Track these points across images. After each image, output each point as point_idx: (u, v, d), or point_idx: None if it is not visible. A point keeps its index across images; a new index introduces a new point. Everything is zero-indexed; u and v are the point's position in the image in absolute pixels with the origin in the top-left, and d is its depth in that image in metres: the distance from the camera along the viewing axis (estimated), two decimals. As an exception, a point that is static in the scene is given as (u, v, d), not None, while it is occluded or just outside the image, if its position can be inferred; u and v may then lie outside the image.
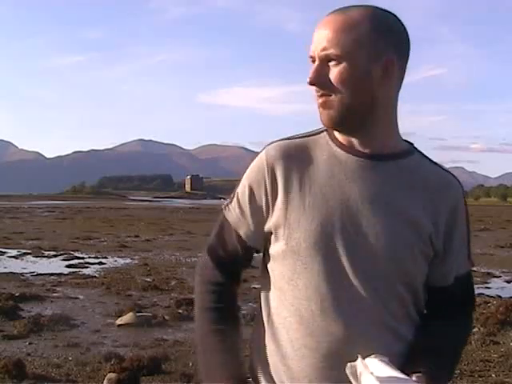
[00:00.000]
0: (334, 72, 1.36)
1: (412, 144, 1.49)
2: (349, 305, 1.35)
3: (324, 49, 1.36)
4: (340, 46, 1.35)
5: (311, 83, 1.39)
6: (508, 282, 12.91)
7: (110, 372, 5.63)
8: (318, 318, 1.37)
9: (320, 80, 1.37)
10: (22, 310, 8.64)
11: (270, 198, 1.44)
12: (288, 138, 1.49)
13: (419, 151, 1.49)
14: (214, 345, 1.47)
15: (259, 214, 1.46)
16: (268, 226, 1.45)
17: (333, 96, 1.37)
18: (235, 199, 1.50)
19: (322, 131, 1.48)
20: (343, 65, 1.35)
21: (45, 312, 8.60)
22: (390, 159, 1.42)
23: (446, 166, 1.50)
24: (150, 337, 7.37)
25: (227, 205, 1.52)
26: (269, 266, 1.48)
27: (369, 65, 1.36)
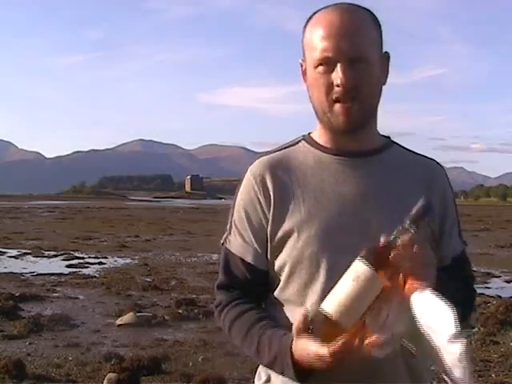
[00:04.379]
0: (360, 73, 1.36)
1: (389, 137, 1.53)
2: None
3: (349, 51, 1.35)
4: (363, 48, 1.36)
5: (347, 86, 1.35)
6: (508, 281, 12.92)
7: (110, 372, 5.64)
8: None
9: (350, 82, 1.35)
10: (22, 309, 8.66)
11: (266, 212, 1.43)
12: (267, 153, 1.50)
13: (397, 143, 1.53)
14: (260, 329, 1.39)
15: (262, 233, 1.44)
16: (269, 241, 1.43)
17: (359, 98, 1.37)
18: (233, 228, 1.48)
19: (299, 141, 1.51)
20: (366, 66, 1.37)
21: (45, 312, 8.61)
22: (373, 154, 1.46)
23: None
24: (150, 337, 7.38)
25: (226, 238, 1.49)
26: (273, 281, 1.46)
27: (378, 62, 1.41)
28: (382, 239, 1.22)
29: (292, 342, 1.28)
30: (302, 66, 1.46)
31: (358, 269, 1.22)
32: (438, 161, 1.54)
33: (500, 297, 10.29)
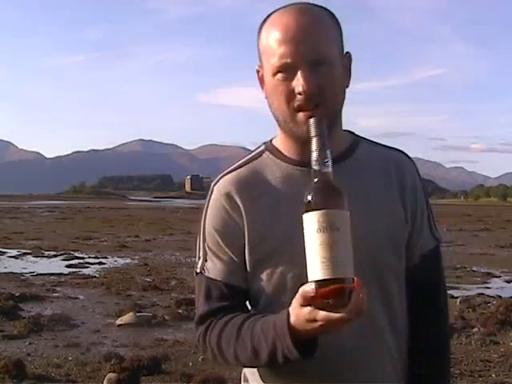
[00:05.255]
0: (322, 77, 1.27)
1: (353, 133, 1.45)
2: None
3: (309, 55, 1.27)
4: (323, 50, 1.28)
5: (309, 93, 1.26)
6: (508, 281, 12.91)
7: (110, 372, 5.64)
8: None
9: (312, 89, 1.26)
10: (22, 309, 8.66)
11: (242, 229, 1.35)
12: (232, 170, 1.40)
13: (362, 138, 1.45)
14: (249, 326, 1.29)
15: (241, 250, 1.35)
16: (247, 262, 1.35)
17: (323, 105, 1.28)
18: (209, 254, 1.38)
19: (263, 152, 1.42)
20: (328, 68, 1.29)
21: (45, 312, 8.61)
22: (342, 160, 1.36)
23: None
24: (150, 337, 7.38)
25: (202, 266, 1.39)
26: (254, 298, 1.39)
27: (340, 63, 1.33)
28: (316, 168, 1.14)
29: (288, 317, 1.18)
30: (258, 72, 1.38)
31: (315, 218, 1.11)
32: (406, 153, 1.46)
33: (500, 297, 10.28)
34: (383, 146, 1.46)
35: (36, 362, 6.25)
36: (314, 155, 1.15)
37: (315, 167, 1.15)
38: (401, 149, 1.46)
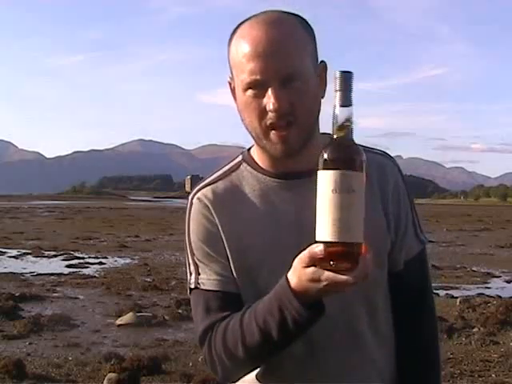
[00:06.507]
0: (295, 94, 1.22)
1: (332, 136, 1.41)
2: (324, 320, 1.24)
3: (280, 71, 1.21)
4: (295, 64, 1.22)
5: (281, 111, 1.21)
6: (508, 282, 12.90)
7: (110, 372, 5.64)
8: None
9: (284, 107, 1.22)
10: (22, 309, 8.66)
11: (222, 236, 1.33)
12: (210, 183, 1.38)
13: None
14: (250, 315, 1.26)
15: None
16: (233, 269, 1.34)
17: (296, 122, 1.24)
18: (202, 266, 1.34)
19: (240, 162, 1.39)
20: (301, 83, 1.23)
21: (45, 312, 8.60)
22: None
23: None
24: (149, 337, 7.38)
25: (197, 281, 1.34)
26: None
27: (314, 75, 1.27)
28: (338, 124, 1.10)
29: (288, 283, 1.16)
30: (230, 84, 1.33)
31: (332, 178, 1.07)
32: (388, 154, 1.41)
33: (500, 297, 10.27)
34: (365, 148, 1.37)
35: (36, 362, 6.25)
36: (336, 111, 1.10)
37: (337, 124, 1.11)
38: (384, 150, 1.42)
